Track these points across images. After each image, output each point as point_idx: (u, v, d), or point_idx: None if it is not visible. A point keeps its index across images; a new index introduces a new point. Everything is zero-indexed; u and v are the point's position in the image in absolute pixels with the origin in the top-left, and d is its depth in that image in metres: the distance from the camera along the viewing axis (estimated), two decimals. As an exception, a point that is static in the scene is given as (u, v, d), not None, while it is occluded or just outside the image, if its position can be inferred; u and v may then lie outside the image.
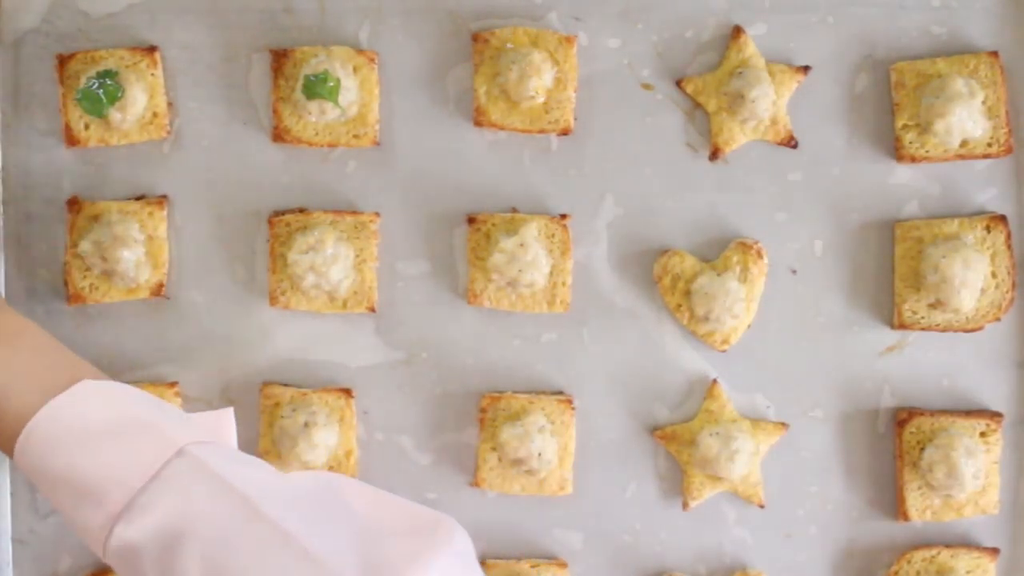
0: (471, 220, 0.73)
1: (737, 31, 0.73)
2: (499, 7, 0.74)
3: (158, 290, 0.74)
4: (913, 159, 0.73)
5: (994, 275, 0.72)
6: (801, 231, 0.74)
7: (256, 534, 0.52)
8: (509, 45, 0.72)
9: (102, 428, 0.55)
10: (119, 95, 0.72)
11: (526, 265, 0.71)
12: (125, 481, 0.53)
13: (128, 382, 0.73)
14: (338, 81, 0.71)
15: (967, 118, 0.71)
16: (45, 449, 0.55)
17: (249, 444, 0.74)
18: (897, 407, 0.74)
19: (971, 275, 0.71)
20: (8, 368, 0.57)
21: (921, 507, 0.73)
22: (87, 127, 0.73)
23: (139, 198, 0.74)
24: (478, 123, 0.73)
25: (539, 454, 0.72)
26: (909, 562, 0.73)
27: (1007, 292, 0.73)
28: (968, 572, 0.72)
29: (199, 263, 0.74)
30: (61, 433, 0.54)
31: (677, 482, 0.75)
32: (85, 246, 0.72)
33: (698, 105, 0.74)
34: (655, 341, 0.74)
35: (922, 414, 0.73)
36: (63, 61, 0.73)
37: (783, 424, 0.74)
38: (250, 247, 0.74)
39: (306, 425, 0.72)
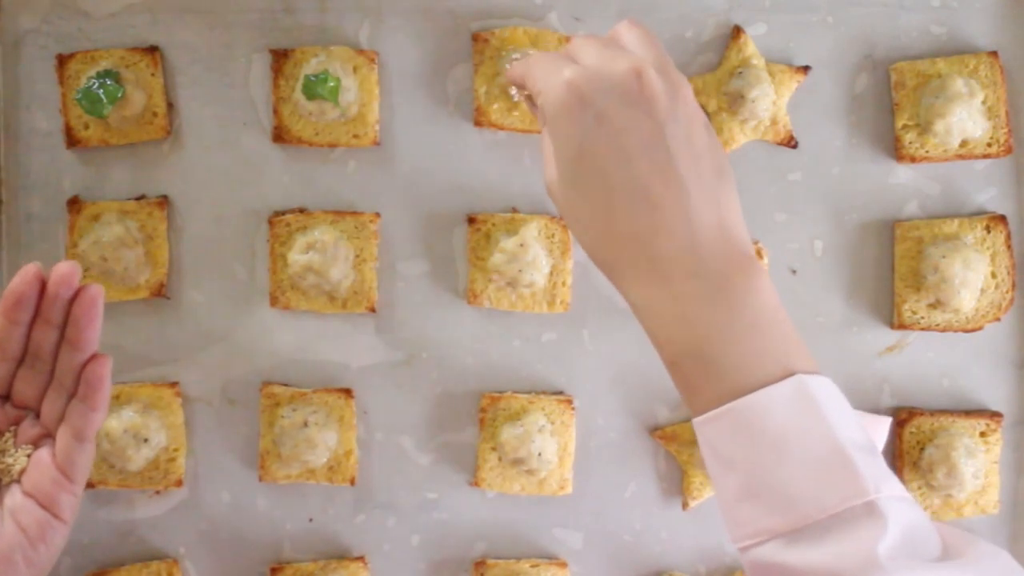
0: (471, 220, 0.73)
1: (737, 31, 0.73)
2: (499, 7, 0.74)
3: (158, 290, 0.74)
4: (913, 159, 0.73)
5: (994, 275, 0.72)
6: (801, 231, 0.74)
7: None
8: (514, 53, 0.72)
9: (798, 441, 0.50)
10: (119, 95, 0.72)
11: (526, 265, 0.71)
12: (801, 505, 0.50)
13: (128, 382, 0.74)
14: (338, 81, 0.71)
15: (967, 118, 0.71)
16: (735, 433, 0.51)
17: (249, 444, 0.75)
18: (897, 407, 0.74)
19: (971, 275, 0.71)
20: (732, 329, 0.52)
21: (921, 507, 0.73)
22: (87, 127, 0.73)
23: (139, 198, 0.74)
24: (478, 123, 0.73)
25: (539, 454, 0.72)
26: (909, 562, 0.73)
27: (1007, 292, 0.73)
28: (968, 572, 0.73)
29: (199, 263, 0.75)
30: (758, 427, 0.51)
31: (677, 482, 0.75)
32: (85, 246, 0.72)
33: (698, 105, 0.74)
34: (655, 341, 0.74)
35: (922, 414, 0.73)
36: (63, 61, 0.73)
37: (783, 424, 0.74)
38: (250, 247, 0.74)
39: (306, 425, 0.72)
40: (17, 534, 0.60)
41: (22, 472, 0.62)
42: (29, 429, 0.62)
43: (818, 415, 0.51)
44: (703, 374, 0.52)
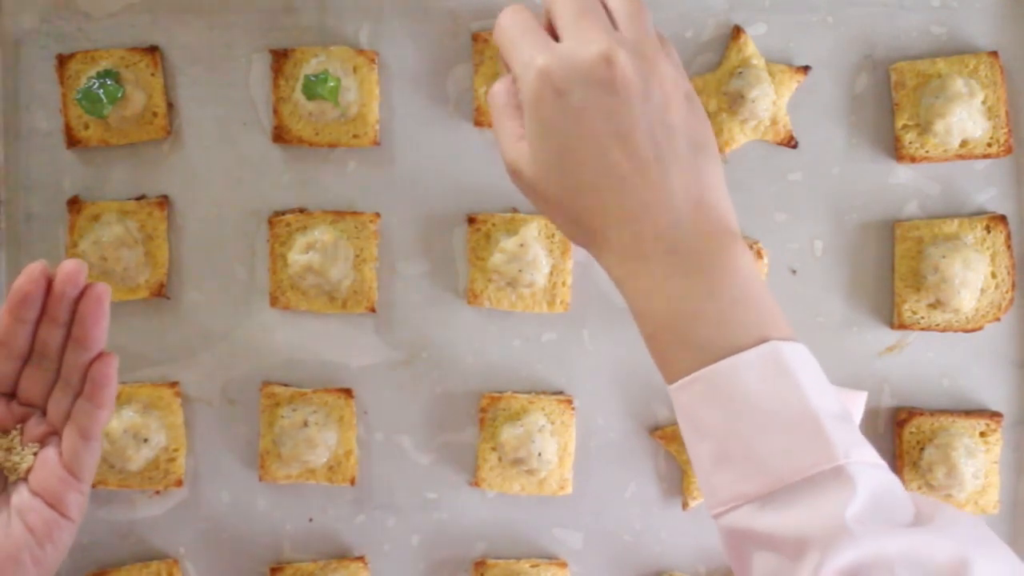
0: (471, 220, 0.73)
1: (737, 31, 0.73)
2: (499, 7, 0.73)
3: (158, 290, 0.74)
4: (913, 159, 0.73)
5: (994, 275, 0.72)
6: (801, 231, 0.74)
7: None
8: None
9: (769, 405, 0.51)
10: (119, 95, 0.72)
11: (526, 265, 0.71)
12: (773, 470, 0.50)
13: (128, 382, 0.74)
14: (338, 81, 0.71)
15: (967, 118, 0.71)
16: (708, 399, 0.52)
17: (249, 444, 0.75)
18: (897, 407, 0.74)
19: (971, 275, 0.71)
20: (708, 301, 0.52)
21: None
22: (87, 127, 0.73)
23: (139, 198, 0.74)
24: (478, 123, 0.73)
25: (539, 454, 0.72)
26: (909, 562, 0.73)
27: (1007, 292, 0.73)
28: (968, 572, 0.73)
29: (199, 263, 0.75)
30: (729, 392, 0.51)
31: (677, 482, 0.75)
32: (85, 246, 0.72)
33: (698, 105, 0.74)
34: (655, 341, 0.74)
35: (922, 414, 0.73)
36: (63, 61, 0.73)
37: (783, 424, 0.74)
38: (250, 247, 0.74)
39: (306, 425, 0.72)
40: (25, 534, 0.60)
41: (28, 470, 0.62)
42: (35, 427, 0.62)
43: (790, 380, 0.51)
44: (680, 344, 0.53)
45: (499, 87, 0.57)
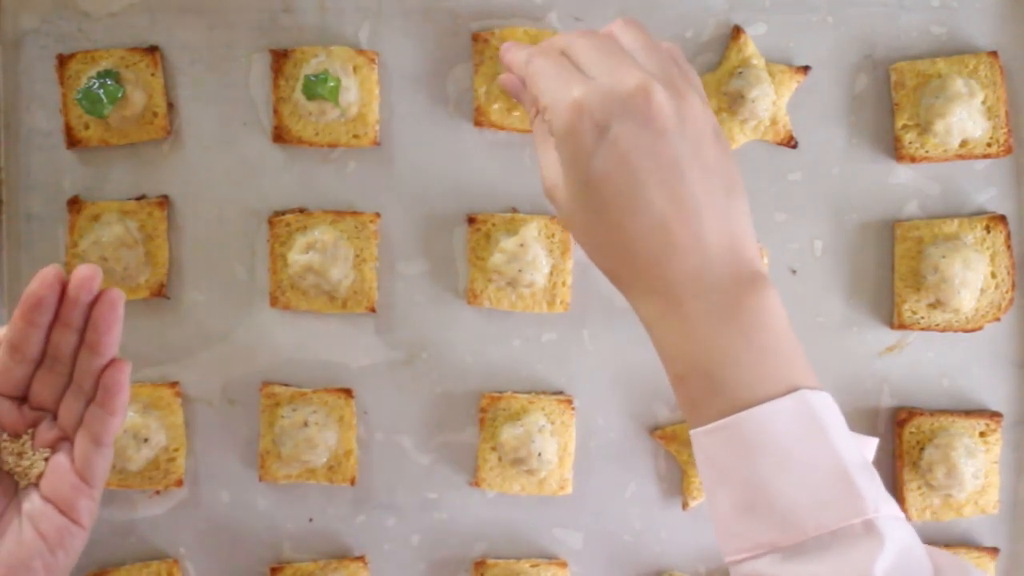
0: (471, 220, 0.73)
1: (737, 31, 0.73)
2: (499, 7, 0.74)
3: (158, 290, 0.74)
4: (913, 159, 0.73)
5: (994, 275, 0.72)
6: (801, 231, 0.74)
7: None
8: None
9: (799, 456, 0.50)
10: (119, 95, 0.72)
11: (526, 265, 0.71)
12: (801, 521, 0.49)
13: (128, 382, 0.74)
14: (338, 81, 0.71)
15: (967, 118, 0.71)
16: (736, 446, 0.51)
17: (249, 444, 0.75)
18: (897, 407, 0.74)
19: (971, 275, 0.71)
20: (740, 348, 0.51)
21: (921, 507, 0.73)
22: (87, 127, 0.73)
23: (139, 198, 0.74)
24: (478, 123, 0.73)
25: (539, 454, 0.72)
26: (909, 562, 0.73)
27: (1007, 292, 0.73)
28: (968, 572, 0.73)
29: (199, 263, 0.75)
30: (758, 441, 0.50)
31: (677, 482, 0.75)
32: (86, 246, 0.72)
33: (698, 105, 0.74)
34: (655, 341, 0.74)
35: (922, 414, 0.73)
36: (63, 61, 0.73)
37: (783, 424, 0.74)
38: (250, 247, 0.75)
39: (306, 425, 0.72)
40: (36, 540, 0.60)
41: (40, 476, 0.61)
42: (46, 432, 0.62)
43: (820, 431, 0.50)
44: (708, 389, 0.52)
45: (534, 116, 0.58)
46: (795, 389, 0.51)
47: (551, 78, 0.54)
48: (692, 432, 0.53)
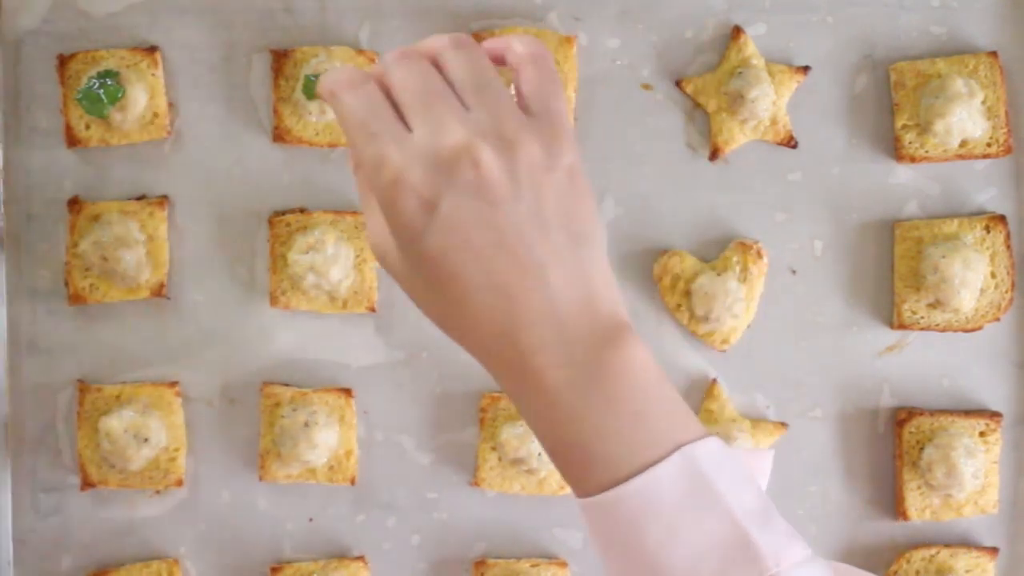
0: (471, 220, 0.73)
1: (737, 31, 0.73)
2: (499, 7, 0.74)
3: (158, 290, 0.74)
4: (913, 159, 0.73)
5: (993, 275, 0.72)
6: (801, 231, 0.74)
7: None
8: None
9: (690, 523, 0.47)
10: (120, 95, 0.72)
11: (526, 265, 0.71)
12: None
13: (128, 382, 0.74)
14: (338, 81, 0.71)
15: (967, 118, 0.71)
16: (622, 519, 0.47)
17: (249, 444, 0.75)
18: (897, 407, 0.74)
19: (971, 275, 0.71)
20: (610, 416, 0.48)
21: (920, 507, 0.73)
22: (88, 127, 0.73)
23: (140, 198, 0.74)
24: (478, 123, 0.73)
25: (539, 454, 0.72)
26: (908, 561, 0.73)
27: (1006, 292, 0.73)
28: (967, 571, 0.73)
29: (199, 263, 0.75)
30: (645, 511, 0.47)
31: (677, 482, 0.75)
32: (86, 246, 0.72)
33: (698, 105, 0.74)
34: (655, 341, 0.74)
35: (922, 414, 0.73)
36: (64, 61, 0.73)
37: (783, 424, 0.74)
38: (250, 247, 0.75)
39: (306, 425, 0.72)
40: None
41: None
42: None
43: (708, 488, 0.47)
44: (584, 463, 0.48)
45: (354, 165, 0.52)
46: (677, 447, 0.47)
47: (362, 128, 0.48)
48: (576, 501, 0.49)
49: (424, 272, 0.49)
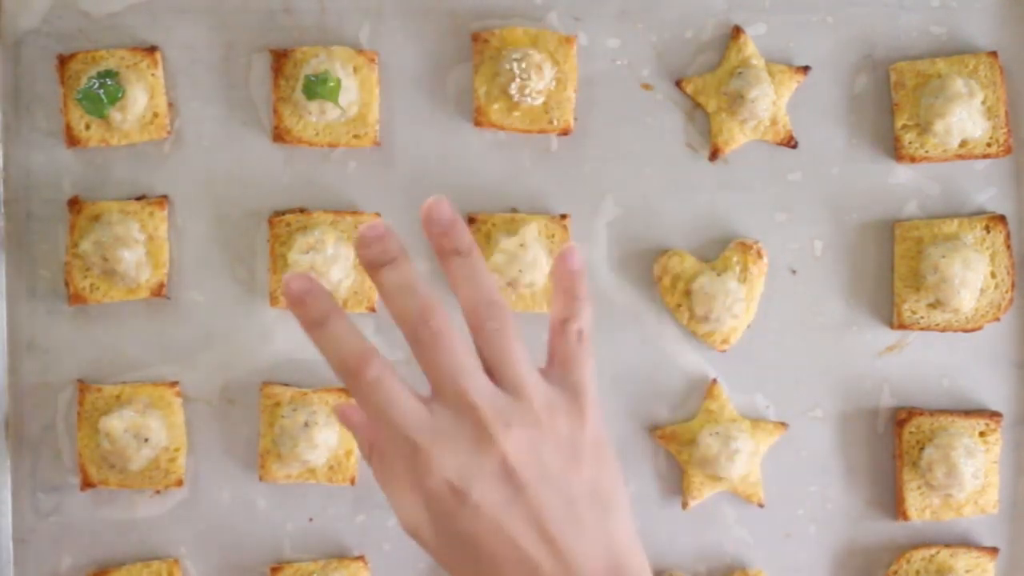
0: (471, 220, 0.73)
1: (737, 31, 0.73)
2: (499, 7, 0.74)
3: (158, 290, 0.74)
4: (913, 159, 0.73)
5: (993, 275, 0.72)
6: (801, 231, 0.74)
7: None
8: (515, 56, 0.72)
9: None
10: (119, 95, 0.72)
11: (526, 265, 0.72)
12: None
13: (128, 382, 0.74)
14: (338, 81, 0.71)
15: (967, 118, 0.71)
16: None
17: (249, 444, 0.75)
18: (897, 407, 0.74)
19: (970, 275, 0.71)
20: None
21: (920, 507, 0.73)
22: (88, 127, 0.73)
23: (140, 198, 0.74)
24: (478, 123, 0.73)
25: (539, 454, 0.72)
26: (908, 561, 0.73)
27: (1006, 292, 0.73)
28: (967, 571, 0.73)
29: (199, 263, 0.75)
30: None
31: (677, 482, 0.75)
32: (86, 246, 0.72)
33: (698, 105, 0.74)
34: (655, 341, 0.74)
35: (922, 414, 0.73)
36: (64, 61, 0.73)
37: (783, 424, 0.74)
38: (250, 247, 0.75)
39: (306, 425, 0.72)
40: None
41: None
42: None
43: None
44: None
45: (363, 441, 0.55)
46: None
47: (391, 406, 0.51)
48: None
49: (458, 546, 0.50)
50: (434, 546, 0.51)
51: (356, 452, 0.74)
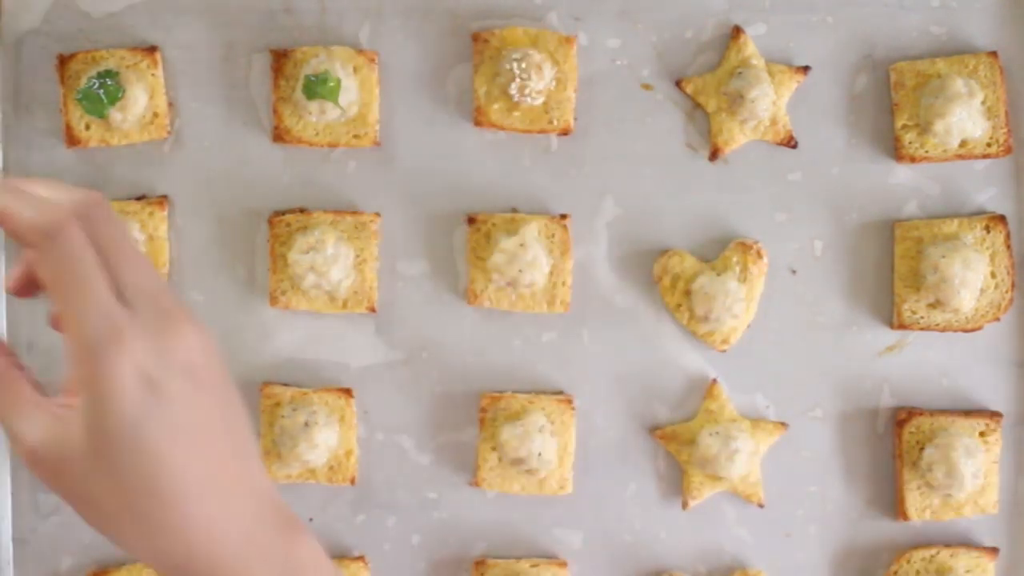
0: (471, 220, 0.73)
1: (737, 31, 0.73)
2: (499, 7, 0.74)
3: (158, 290, 0.74)
4: (913, 159, 0.73)
5: (993, 275, 0.72)
6: (801, 231, 0.74)
7: None
8: (515, 56, 0.72)
9: None
10: (120, 95, 0.72)
11: (526, 265, 0.72)
12: None
13: None
14: (338, 81, 0.71)
15: (967, 118, 0.71)
16: None
17: (249, 444, 0.75)
18: (897, 407, 0.74)
19: (970, 275, 0.71)
20: None
21: (920, 507, 0.73)
22: (88, 127, 0.73)
23: (140, 198, 0.74)
24: (478, 123, 0.73)
25: (539, 454, 0.72)
26: (908, 561, 0.73)
27: (1006, 292, 0.73)
28: (967, 571, 0.73)
29: (199, 263, 0.75)
30: None
31: (677, 482, 0.75)
32: (85, 246, 0.72)
33: (698, 105, 0.74)
34: (655, 341, 0.74)
35: (922, 414, 0.73)
36: (64, 61, 0.73)
37: (783, 424, 0.74)
38: (250, 247, 0.75)
39: (306, 425, 0.72)
40: None
41: None
42: None
43: None
44: None
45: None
46: None
47: (81, 297, 0.44)
48: None
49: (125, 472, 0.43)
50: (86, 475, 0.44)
51: (356, 452, 0.74)
